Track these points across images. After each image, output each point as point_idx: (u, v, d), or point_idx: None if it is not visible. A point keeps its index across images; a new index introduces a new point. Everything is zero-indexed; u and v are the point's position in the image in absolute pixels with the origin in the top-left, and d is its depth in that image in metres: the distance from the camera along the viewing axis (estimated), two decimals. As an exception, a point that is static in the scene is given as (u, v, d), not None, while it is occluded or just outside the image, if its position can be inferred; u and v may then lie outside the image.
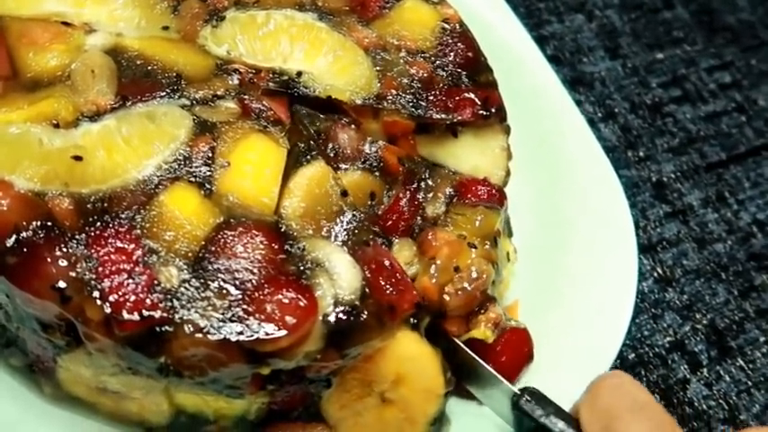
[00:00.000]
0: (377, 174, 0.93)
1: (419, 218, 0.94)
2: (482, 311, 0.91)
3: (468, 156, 0.99)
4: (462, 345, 0.91)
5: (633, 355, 1.09)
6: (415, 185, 0.95)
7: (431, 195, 0.95)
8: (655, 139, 1.28)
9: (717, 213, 1.23)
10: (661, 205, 1.23)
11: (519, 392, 0.90)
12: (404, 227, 0.93)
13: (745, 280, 1.17)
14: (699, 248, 1.19)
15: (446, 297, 0.89)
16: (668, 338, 1.11)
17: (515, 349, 0.94)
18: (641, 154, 1.27)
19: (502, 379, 0.92)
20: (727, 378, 1.09)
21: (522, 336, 0.95)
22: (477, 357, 0.92)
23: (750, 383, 1.09)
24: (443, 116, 0.98)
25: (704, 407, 1.06)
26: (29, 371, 0.88)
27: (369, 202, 0.92)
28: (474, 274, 0.89)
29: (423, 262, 0.90)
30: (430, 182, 0.95)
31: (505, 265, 0.98)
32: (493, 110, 0.99)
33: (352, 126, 0.95)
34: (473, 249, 0.91)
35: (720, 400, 1.07)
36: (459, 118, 0.98)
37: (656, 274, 1.16)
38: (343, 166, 0.93)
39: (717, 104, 1.35)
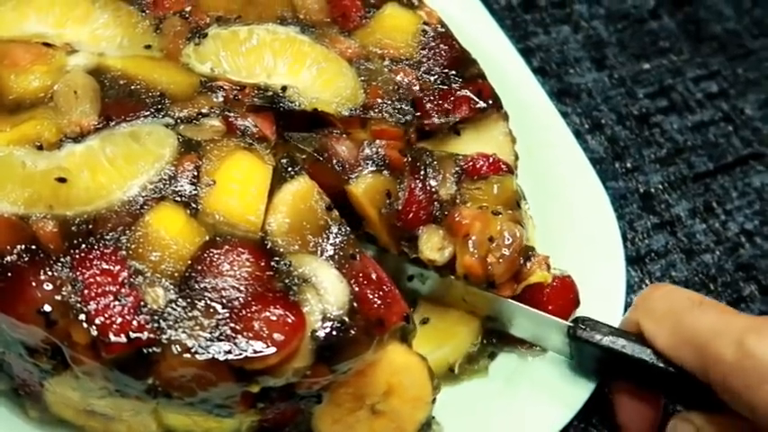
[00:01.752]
0: (385, 172, 0.94)
1: (436, 202, 0.94)
2: (527, 262, 0.94)
3: (474, 149, 0.99)
4: (507, 299, 0.96)
5: (623, 366, 1.08)
6: (422, 172, 0.95)
7: (440, 178, 0.96)
8: (642, 150, 1.28)
9: (705, 224, 1.22)
10: (649, 216, 1.22)
11: (572, 324, 0.94)
12: (425, 215, 0.94)
13: (733, 290, 1.16)
14: (687, 259, 1.18)
15: (490, 268, 0.91)
16: (658, 349, 1.10)
17: (563, 297, 0.98)
18: (628, 165, 1.26)
19: (553, 317, 0.96)
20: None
21: (567, 283, 0.98)
22: (523, 306, 0.96)
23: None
24: (444, 120, 0.99)
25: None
26: (14, 395, 0.88)
27: (387, 201, 0.92)
28: (508, 239, 0.92)
29: (457, 242, 0.92)
30: (435, 165, 0.96)
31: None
32: (489, 101, 1.01)
33: (344, 136, 0.95)
34: (498, 216, 0.93)
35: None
36: (459, 117, 1.00)
37: (644, 286, 1.15)
38: (353, 175, 0.93)
39: (704, 114, 1.34)
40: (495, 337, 0.99)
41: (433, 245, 0.93)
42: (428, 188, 0.95)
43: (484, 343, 0.99)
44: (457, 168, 0.96)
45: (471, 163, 0.97)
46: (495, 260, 0.91)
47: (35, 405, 0.87)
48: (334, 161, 0.93)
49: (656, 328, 0.90)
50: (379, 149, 0.95)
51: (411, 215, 0.93)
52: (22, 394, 0.87)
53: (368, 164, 0.94)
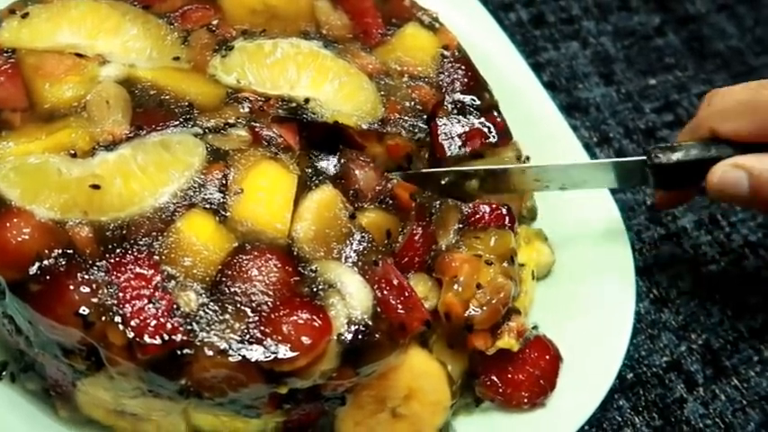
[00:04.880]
0: (391, 211, 0.96)
1: (432, 252, 0.96)
2: (506, 323, 0.94)
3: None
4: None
5: (632, 374, 1.11)
6: (427, 219, 0.97)
7: (442, 229, 0.98)
8: (649, 163, 1.30)
9: (710, 236, 1.25)
10: (656, 228, 1.24)
11: (646, 155, 0.99)
12: (419, 262, 0.95)
13: (738, 300, 1.19)
14: (693, 270, 1.21)
15: (471, 312, 0.92)
16: (665, 358, 1.13)
17: (547, 354, 0.98)
18: (635, 177, 1.29)
19: (627, 158, 1.03)
20: (723, 397, 1.11)
21: (543, 344, 0.99)
22: (596, 161, 1.05)
23: (745, 402, 1.10)
24: (456, 152, 1.02)
25: (701, 425, 1.08)
26: (45, 395, 0.90)
27: (385, 241, 0.94)
28: (496, 290, 0.93)
29: (444, 281, 0.93)
30: (441, 215, 0.98)
31: (528, 280, 1.02)
32: (501, 135, 1.04)
33: (371, 164, 0.98)
34: (491, 266, 0.94)
35: (716, 419, 1.09)
36: (470, 149, 1.02)
37: (651, 296, 1.17)
38: (359, 204, 0.95)
39: (708, 129, 1.37)
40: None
41: (419, 292, 0.92)
42: (428, 236, 0.97)
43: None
44: (460, 217, 0.99)
45: (474, 212, 0.99)
46: (477, 305, 0.92)
47: (65, 405, 0.89)
48: (351, 189, 0.95)
49: (735, 122, 0.95)
50: (392, 187, 0.97)
51: (406, 260, 0.95)
52: (53, 394, 0.88)
53: (378, 198, 0.96)
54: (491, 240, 0.97)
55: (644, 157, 1.00)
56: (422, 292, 0.93)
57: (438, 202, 0.99)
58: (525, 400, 0.95)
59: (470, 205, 0.99)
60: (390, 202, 0.96)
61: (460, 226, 0.98)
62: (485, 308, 0.92)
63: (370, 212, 0.95)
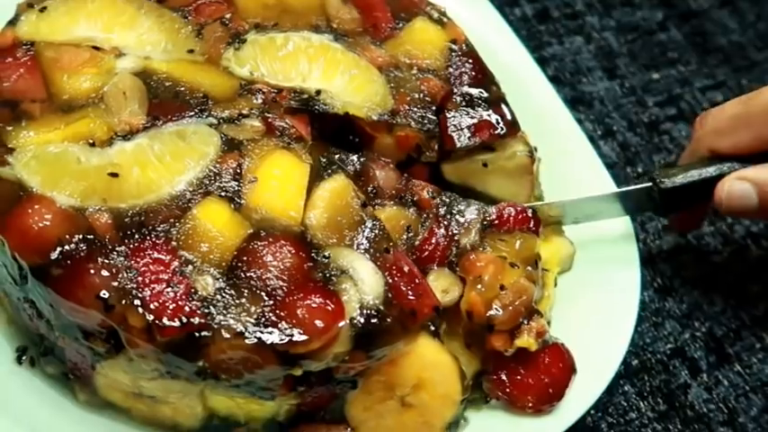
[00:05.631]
0: (412, 209, 0.98)
1: (454, 248, 0.98)
2: (526, 323, 0.95)
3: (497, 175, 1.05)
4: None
5: (636, 361, 1.12)
6: (448, 219, 0.99)
7: (463, 229, 0.99)
8: (652, 156, 1.32)
9: (713, 227, 1.27)
10: (659, 219, 1.26)
11: (652, 182, 1.02)
12: (440, 257, 0.97)
13: (740, 290, 1.20)
14: (696, 260, 1.23)
15: (493, 312, 0.93)
16: (669, 345, 1.14)
17: (561, 363, 0.98)
18: (639, 170, 1.30)
19: (632, 187, 1.05)
20: (726, 383, 1.12)
21: (561, 352, 0.98)
22: (605, 194, 1.07)
23: (747, 387, 1.12)
24: (465, 143, 1.03)
25: (704, 410, 1.09)
26: (65, 379, 0.92)
27: (406, 235, 0.96)
28: (519, 293, 0.94)
29: (468, 280, 0.95)
30: (461, 217, 1.00)
31: (550, 285, 1.04)
32: (509, 126, 1.05)
33: (391, 165, 1.00)
34: (515, 269, 0.96)
35: (720, 404, 1.10)
36: (479, 140, 1.03)
37: (656, 285, 1.19)
38: (378, 201, 0.98)
39: (710, 122, 1.39)
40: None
41: (439, 285, 0.95)
42: (450, 234, 0.99)
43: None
44: (484, 218, 1.00)
45: (500, 215, 1.01)
46: (499, 305, 0.94)
47: (84, 388, 0.91)
48: (370, 186, 0.98)
49: (731, 137, 0.98)
50: (413, 187, 1.00)
51: (426, 253, 0.97)
52: (72, 378, 0.91)
53: (397, 197, 0.99)
54: (516, 244, 0.99)
55: (650, 184, 1.02)
56: (443, 285, 0.95)
57: (459, 203, 1.01)
58: (530, 405, 0.96)
59: (496, 207, 1.01)
60: (410, 201, 0.99)
61: (484, 226, 1.00)
62: (507, 309, 0.94)
63: (389, 208, 0.98)
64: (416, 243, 0.97)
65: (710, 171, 1.00)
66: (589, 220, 1.07)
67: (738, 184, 0.97)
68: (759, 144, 0.97)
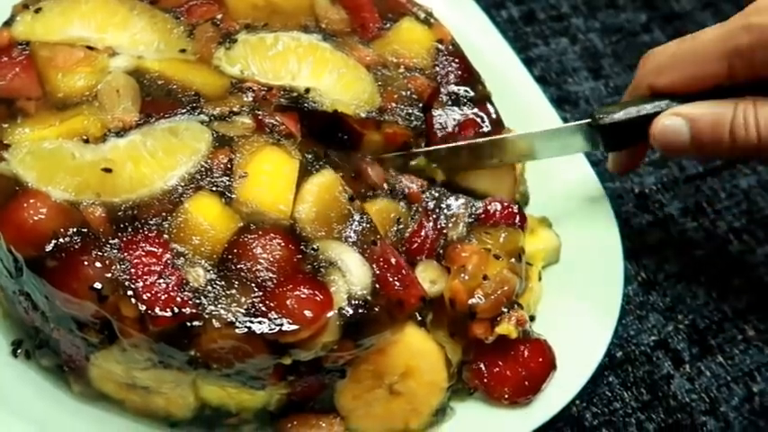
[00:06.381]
0: (402, 203, 1.01)
1: (442, 240, 1.00)
2: (507, 312, 0.97)
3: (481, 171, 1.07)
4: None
5: (621, 353, 1.14)
6: (437, 213, 1.02)
7: (451, 223, 1.02)
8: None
9: (696, 222, 1.29)
10: (644, 215, 1.28)
11: (591, 119, 1.03)
12: (429, 249, 0.99)
13: (722, 283, 1.22)
14: (679, 254, 1.24)
15: (475, 300, 0.95)
16: (653, 337, 1.16)
17: (534, 360, 0.99)
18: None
19: (573, 123, 1.06)
20: (708, 373, 1.14)
21: (542, 347, 1.01)
22: (546, 129, 1.08)
23: (729, 378, 1.14)
24: (450, 141, 1.05)
25: (687, 400, 1.11)
26: (59, 371, 0.94)
27: (396, 227, 0.99)
28: (501, 283, 0.97)
29: (453, 270, 0.97)
30: (449, 211, 1.02)
31: (534, 279, 1.06)
32: (493, 125, 1.07)
33: (377, 163, 1.03)
34: (499, 260, 0.98)
35: (702, 394, 1.12)
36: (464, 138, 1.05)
37: (640, 279, 1.21)
38: (371, 193, 1.00)
39: (694, 121, 1.40)
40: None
41: (427, 276, 0.97)
42: (438, 227, 1.01)
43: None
44: (471, 212, 1.03)
45: (486, 209, 1.03)
46: (482, 295, 0.96)
47: (79, 380, 0.93)
48: (368, 181, 1.01)
49: (669, 74, 0.99)
50: (402, 182, 1.02)
51: (415, 245, 0.99)
52: (67, 370, 0.93)
53: (389, 191, 1.02)
54: (501, 237, 1.01)
55: (588, 120, 1.04)
56: (431, 277, 0.97)
57: (448, 198, 1.03)
58: (506, 396, 0.98)
59: (482, 202, 1.04)
60: (401, 195, 1.02)
61: (471, 220, 1.02)
62: (488, 298, 0.96)
63: (380, 200, 1.00)
64: (406, 235, 0.99)
65: (648, 108, 1.00)
66: (534, 158, 1.09)
67: (672, 119, 0.97)
68: (695, 83, 0.97)
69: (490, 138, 1.06)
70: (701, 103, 0.97)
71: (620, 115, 1.02)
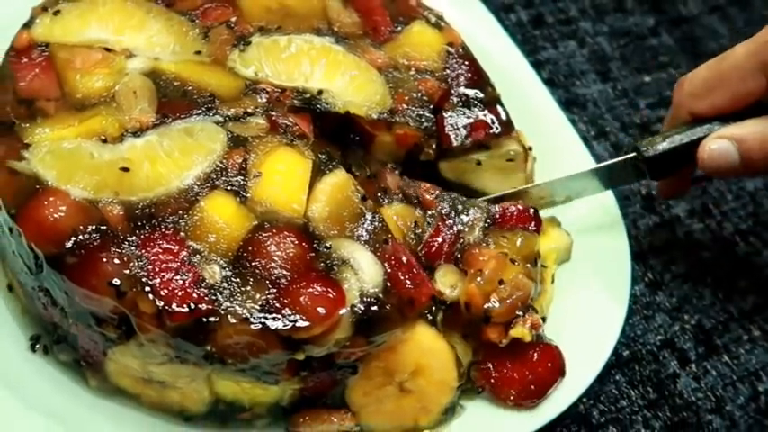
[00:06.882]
0: (418, 210, 1.02)
1: (459, 244, 1.01)
2: (522, 316, 0.98)
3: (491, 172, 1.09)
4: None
5: (627, 352, 1.15)
6: (453, 218, 1.03)
7: (468, 227, 1.03)
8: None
9: (702, 223, 1.30)
10: (651, 216, 1.29)
11: (635, 153, 1.04)
12: (446, 253, 1.00)
13: (729, 284, 1.23)
14: (686, 255, 1.26)
15: (490, 304, 0.96)
16: (659, 337, 1.17)
17: (550, 363, 1.00)
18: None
19: (618, 159, 1.07)
20: (714, 372, 1.15)
21: (554, 352, 1.01)
22: (591, 168, 1.09)
23: (735, 377, 1.15)
24: (461, 142, 1.07)
25: (693, 398, 1.12)
26: (77, 365, 0.95)
27: (413, 231, 1.00)
28: (517, 288, 0.98)
29: (469, 273, 0.98)
30: (465, 215, 1.03)
31: (548, 282, 1.07)
32: (503, 126, 1.09)
33: (396, 171, 1.05)
34: (515, 265, 0.99)
35: (708, 393, 1.13)
36: (473, 140, 1.07)
37: (647, 279, 1.22)
38: (387, 199, 1.02)
39: (700, 124, 1.41)
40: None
41: (447, 280, 0.98)
42: (455, 231, 1.02)
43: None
44: (488, 217, 1.04)
45: (503, 213, 1.04)
46: (497, 299, 0.97)
47: (95, 375, 0.94)
48: (381, 185, 1.03)
49: (707, 98, 1.00)
50: (417, 189, 1.04)
51: (434, 249, 1.01)
52: (84, 365, 0.94)
53: (404, 197, 1.03)
54: (517, 241, 1.02)
55: (634, 154, 1.04)
56: (451, 281, 0.99)
57: (463, 204, 1.04)
58: (511, 398, 0.99)
59: (500, 206, 1.05)
60: (416, 200, 1.03)
61: (488, 224, 1.03)
62: (503, 302, 0.97)
63: (396, 205, 1.02)
64: (424, 239, 1.01)
65: (692, 134, 1.01)
66: (579, 197, 1.10)
67: (719, 143, 0.97)
68: (735, 103, 0.98)
69: (538, 183, 1.10)
70: (746, 123, 0.97)
71: (664, 145, 1.02)
